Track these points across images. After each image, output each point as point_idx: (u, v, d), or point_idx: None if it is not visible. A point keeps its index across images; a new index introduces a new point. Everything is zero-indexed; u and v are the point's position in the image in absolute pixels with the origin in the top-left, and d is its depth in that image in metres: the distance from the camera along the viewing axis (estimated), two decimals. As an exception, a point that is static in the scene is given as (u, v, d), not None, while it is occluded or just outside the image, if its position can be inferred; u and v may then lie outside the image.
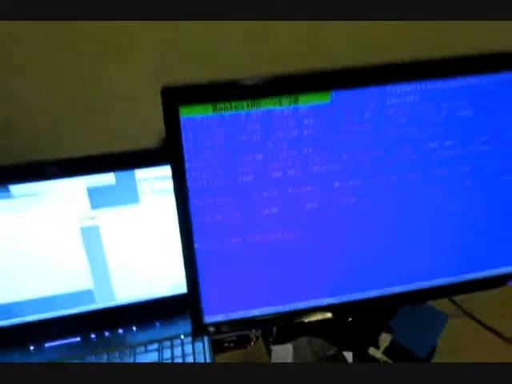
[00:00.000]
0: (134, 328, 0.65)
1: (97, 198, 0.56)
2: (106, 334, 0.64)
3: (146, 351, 0.62)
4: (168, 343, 0.62)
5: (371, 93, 0.43)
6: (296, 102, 0.43)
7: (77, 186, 0.55)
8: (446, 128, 0.46)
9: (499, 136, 0.48)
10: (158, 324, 0.65)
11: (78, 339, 0.64)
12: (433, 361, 0.63)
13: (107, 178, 0.55)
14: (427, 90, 0.44)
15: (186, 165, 0.45)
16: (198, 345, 0.62)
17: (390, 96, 0.44)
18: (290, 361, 0.60)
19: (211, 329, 0.56)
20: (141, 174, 0.55)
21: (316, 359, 0.59)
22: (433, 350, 0.63)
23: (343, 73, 0.43)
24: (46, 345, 0.63)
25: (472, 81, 0.44)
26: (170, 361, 0.60)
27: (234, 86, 0.42)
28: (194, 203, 0.47)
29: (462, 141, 0.47)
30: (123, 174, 0.55)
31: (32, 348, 0.63)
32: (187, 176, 0.45)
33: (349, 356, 0.60)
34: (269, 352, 0.62)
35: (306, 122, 0.44)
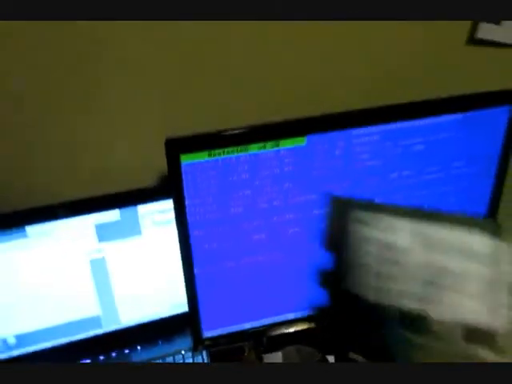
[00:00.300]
0: (139, 347, 0.70)
1: (103, 232, 0.61)
2: (114, 354, 0.69)
3: (152, 367, 0.67)
4: (170, 358, 0.67)
5: (340, 135, 0.51)
6: (277, 145, 0.49)
7: (85, 224, 0.60)
8: (403, 161, 0.54)
9: (448, 165, 0.56)
10: (160, 342, 0.70)
11: (88, 361, 0.68)
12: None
13: (112, 215, 0.61)
14: (386, 130, 0.52)
15: (186, 201, 0.51)
16: (198, 358, 0.67)
17: (355, 137, 0.51)
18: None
19: (209, 342, 0.62)
20: (143, 209, 0.61)
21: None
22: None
23: (316, 120, 0.50)
24: (59, 368, 0.68)
25: (423, 122, 0.52)
26: (174, 375, 0.65)
27: (226, 135, 0.48)
28: (194, 234, 0.53)
29: (417, 171, 0.55)
30: (127, 210, 0.61)
31: (46, 372, 0.67)
32: (187, 211, 0.52)
33: (331, 360, 0.67)
34: (261, 361, 0.68)
35: (286, 161, 0.51)
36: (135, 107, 0.63)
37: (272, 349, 0.68)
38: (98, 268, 0.63)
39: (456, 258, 0.16)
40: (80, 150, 0.65)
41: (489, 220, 0.19)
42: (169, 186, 0.50)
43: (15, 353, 0.66)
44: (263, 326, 0.63)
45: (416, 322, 0.21)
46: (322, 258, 0.49)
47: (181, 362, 0.67)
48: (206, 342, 0.62)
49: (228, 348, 0.67)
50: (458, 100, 0.53)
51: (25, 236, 0.59)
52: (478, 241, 0.16)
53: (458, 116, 0.54)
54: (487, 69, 0.68)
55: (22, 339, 0.65)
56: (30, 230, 0.59)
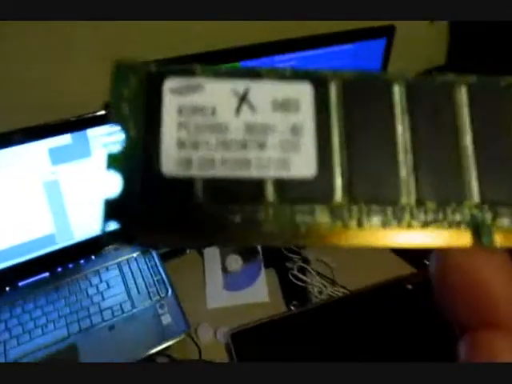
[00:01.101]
0: (93, 257, 0.76)
1: (56, 156, 0.65)
2: (71, 265, 0.75)
3: (108, 270, 0.74)
4: (125, 262, 0.76)
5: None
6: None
7: (39, 149, 0.64)
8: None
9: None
10: (112, 251, 0.77)
11: (47, 274, 0.74)
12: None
13: (64, 139, 0.65)
14: (291, 58, 0.63)
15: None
16: (150, 259, 0.76)
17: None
18: (219, 262, 0.78)
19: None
20: (92, 132, 0.66)
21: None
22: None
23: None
24: (20, 284, 0.72)
25: (320, 51, 0.64)
26: (130, 275, 0.74)
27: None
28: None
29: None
30: (78, 134, 0.65)
31: (8, 289, 0.72)
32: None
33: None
34: (202, 256, 0.79)
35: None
36: (80, 31, 0.65)
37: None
38: (52, 189, 0.68)
39: (279, 113, 0.14)
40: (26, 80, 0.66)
41: (313, 70, 0.16)
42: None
43: (-24, 274, 0.69)
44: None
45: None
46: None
47: (134, 263, 0.75)
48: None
49: (174, 248, 0.77)
50: (347, 33, 0.66)
51: (-19, 163, 0.61)
52: (302, 91, 0.14)
53: (347, 47, 0.67)
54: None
55: (-19, 261, 0.68)
56: (-13, 157, 0.61)
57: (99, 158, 0.68)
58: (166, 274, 0.73)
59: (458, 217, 0.14)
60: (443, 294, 0.15)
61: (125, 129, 0.15)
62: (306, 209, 0.14)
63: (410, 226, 0.14)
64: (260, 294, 0.72)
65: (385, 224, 0.14)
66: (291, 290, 0.71)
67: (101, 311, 0.69)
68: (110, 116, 0.15)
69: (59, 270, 0.74)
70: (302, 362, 0.61)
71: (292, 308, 0.69)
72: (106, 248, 0.77)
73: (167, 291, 0.71)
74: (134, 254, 0.76)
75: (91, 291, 0.72)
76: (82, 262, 0.76)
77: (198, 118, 0.14)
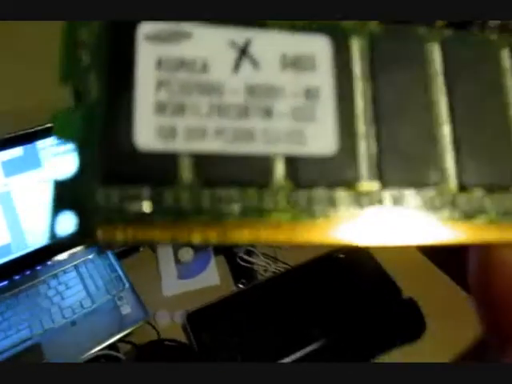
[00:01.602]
0: (49, 263, 0.80)
1: (8, 168, 0.70)
2: (28, 272, 0.78)
3: (66, 273, 0.78)
4: (82, 264, 0.80)
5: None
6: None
7: (-9, 162, 0.68)
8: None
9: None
10: (67, 255, 0.81)
11: (6, 283, 0.77)
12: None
13: (16, 152, 0.69)
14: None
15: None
16: (105, 259, 0.81)
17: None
18: (172, 254, 0.84)
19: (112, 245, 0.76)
20: (41, 144, 0.71)
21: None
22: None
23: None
24: (-22, 295, 0.75)
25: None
26: (87, 275, 0.78)
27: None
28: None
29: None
30: (28, 147, 0.70)
31: (-34, 300, 0.74)
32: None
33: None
34: (155, 252, 0.85)
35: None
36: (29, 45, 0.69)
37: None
38: (5, 200, 0.71)
39: (290, 73, 0.11)
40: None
41: (333, 21, 0.13)
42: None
43: None
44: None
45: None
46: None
47: (91, 264, 0.80)
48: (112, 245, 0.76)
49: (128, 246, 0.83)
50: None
51: None
52: (318, 46, 0.11)
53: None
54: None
55: None
56: None
57: (49, 167, 0.73)
58: (122, 270, 0.78)
59: (506, 205, 0.11)
60: (485, 296, 0.12)
61: (83, 85, 0.11)
62: (325, 195, 0.11)
63: (451, 217, 0.11)
64: (211, 278, 0.78)
65: (422, 216, 0.11)
66: (239, 272, 0.79)
67: (61, 310, 0.73)
68: (61, 70, 0.11)
69: (17, 277, 0.77)
70: (251, 334, 0.68)
71: (240, 286, 0.76)
72: (61, 254, 0.80)
73: (124, 285, 0.76)
74: (90, 256, 0.81)
75: (50, 293, 0.76)
76: (38, 268, 0.79)
77: (184, 74, 0.11)
